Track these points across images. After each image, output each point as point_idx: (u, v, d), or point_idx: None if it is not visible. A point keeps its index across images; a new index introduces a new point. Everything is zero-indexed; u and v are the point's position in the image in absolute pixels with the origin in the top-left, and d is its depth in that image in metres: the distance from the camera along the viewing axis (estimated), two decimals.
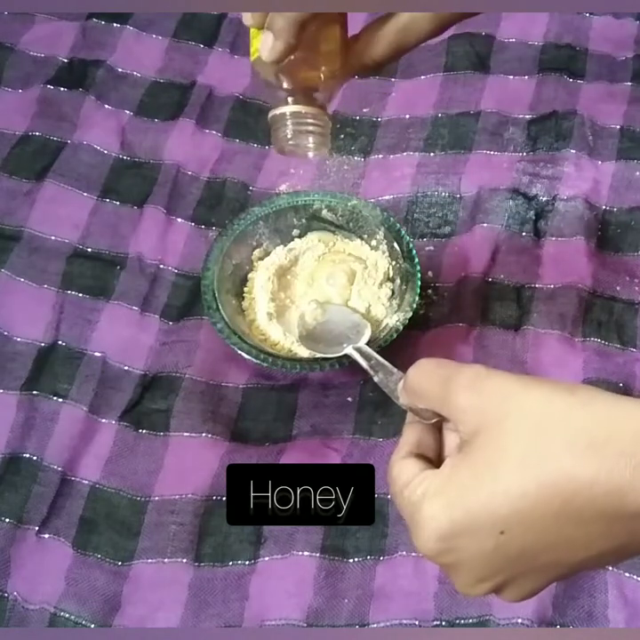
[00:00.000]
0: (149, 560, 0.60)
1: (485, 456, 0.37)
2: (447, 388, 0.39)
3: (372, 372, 0.58)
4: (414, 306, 0.65)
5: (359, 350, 0.59)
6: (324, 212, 0.70)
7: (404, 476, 0.40)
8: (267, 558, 0.60)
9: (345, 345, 0.60)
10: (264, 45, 0.47)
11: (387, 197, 0.76)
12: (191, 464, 0.63)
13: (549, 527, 0.35)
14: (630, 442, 0.34)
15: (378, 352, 0.63)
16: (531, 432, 0.36)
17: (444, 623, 0.57)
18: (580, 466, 0.34)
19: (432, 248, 0.74)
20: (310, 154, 0.52)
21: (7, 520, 0.61)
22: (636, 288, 0.71)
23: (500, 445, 0.36)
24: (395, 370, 0.58)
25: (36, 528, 0.61)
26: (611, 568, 0.59)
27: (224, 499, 0.62)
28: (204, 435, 0.64)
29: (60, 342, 0.69)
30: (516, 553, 0.37)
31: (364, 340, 0.61)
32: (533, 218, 0.74)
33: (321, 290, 0.68)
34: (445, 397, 0.39)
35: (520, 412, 0.36)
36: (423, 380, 0.41)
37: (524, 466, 0.35)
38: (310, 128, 0.51)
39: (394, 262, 0.68)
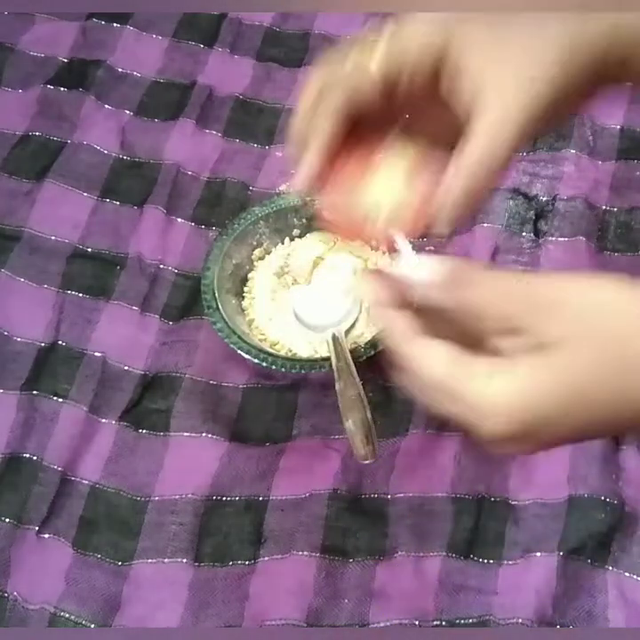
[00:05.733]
0: (149, 560, 0.60)
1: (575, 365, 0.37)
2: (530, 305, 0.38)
3: (336, 376, 0.59)
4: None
5: (335, 340, 0.59)
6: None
7: (437, 361, 0.38)
8: (267, 558, 0.60)
9: (329, 329, 0.61)
10: None
11: None
12: (191, 464, 0.63)
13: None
14: None
15: (378, 352, 0.63)
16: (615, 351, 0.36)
17: (444, 623, 0.57)
18: None
19: (432, 248, 0.73)
20: None
21: (7, 520, 0.61)
22: None
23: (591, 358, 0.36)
24: (356, 380, 0.58)
25: (36, 528, 0.61)
26: (611, 568, 0.59)
27: (224, 498, 0.62)
28: (203, 435, 0.64)
29: (60, 342, 0.69)
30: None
31: (346, 326, 0.61)
32: (533, 218, 0.74)
33: (328, 303, 0.68)
34: (528, 312, 0.38)
35: (605, 332, 0.37)
36: (486, 290, 0.39)
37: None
38: None
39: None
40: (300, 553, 0.59)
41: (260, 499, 0.62)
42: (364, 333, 0.67)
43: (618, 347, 0.36)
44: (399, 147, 0.46)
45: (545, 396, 0.36)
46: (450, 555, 0.59)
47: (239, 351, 0.64)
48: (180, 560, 0.60)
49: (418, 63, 0.43)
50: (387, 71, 0.43)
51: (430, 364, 0.39)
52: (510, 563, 0.59)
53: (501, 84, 0.42)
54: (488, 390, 0.37)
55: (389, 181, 0.45)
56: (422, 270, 0.40)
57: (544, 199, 0.75)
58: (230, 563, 0.60)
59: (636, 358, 0.36)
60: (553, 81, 0.42)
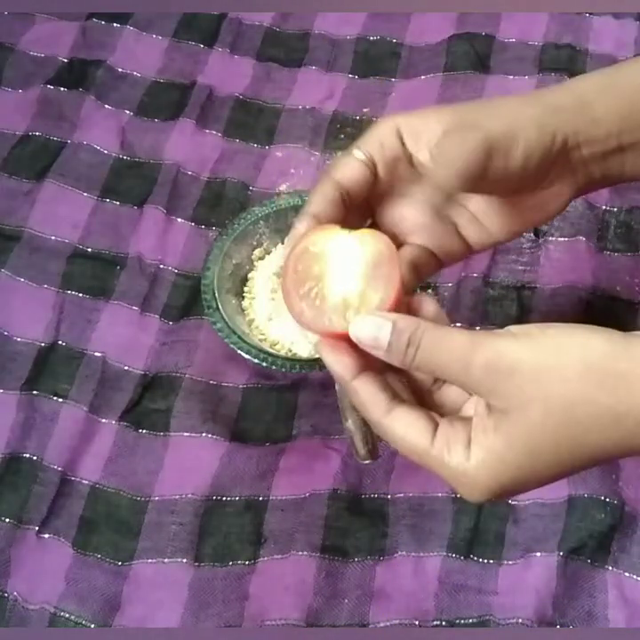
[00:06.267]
0: (149, 560, 0.60)
1: (528, 433, 0.39)
2: (468, 369, 0.40)
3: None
4: None
5: None
6: None
7: (418, 435, 0.42)
8: (267, 558, 0.60)
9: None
10: None
11: None
12: (191, 464, 0.63)
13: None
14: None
15: None
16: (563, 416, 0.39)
17: (444, 623, 0.57)
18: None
19: None
20: None
21: (7, 520, 0.61)
22: (636, 288, 0.71)
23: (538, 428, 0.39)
24: None
25: (36, 528, 0.61)
26: (611, 568, 0.59)
27: (224, 499, 0.62)
28: (203, 435, 0.64)
29: (60, 342, 0.69)
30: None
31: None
32: None
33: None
34: (468, 378, 0.40)
35: (550, 399, 0.39)
36: (442, 355, 0.41)
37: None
38: None
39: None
40: (300, 553, 0.59)
41: (260, 499, 0.62)
42: None
43: (564, 412, 0.39)
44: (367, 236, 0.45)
45: (512, 464, 0.40)
46: (450, 555, 0.59)
47: (239, 351, 0.64)
48: (179, 560, 0.60)
49: (388, 144, 0.47)
50: (367, 153, 0.47)
51: (410, 439, 0.42)
52: (510, 563, 0.59)
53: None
54: (467, 465, 0.40)
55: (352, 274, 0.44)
56: (367, 331, 0.41)
57: None
58: (230, 563, 0.60)
59: (580, 425, 0.39)
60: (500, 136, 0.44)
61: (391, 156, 0.47)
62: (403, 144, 0.47)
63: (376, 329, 0.41)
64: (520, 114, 0.45)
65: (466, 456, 0.40)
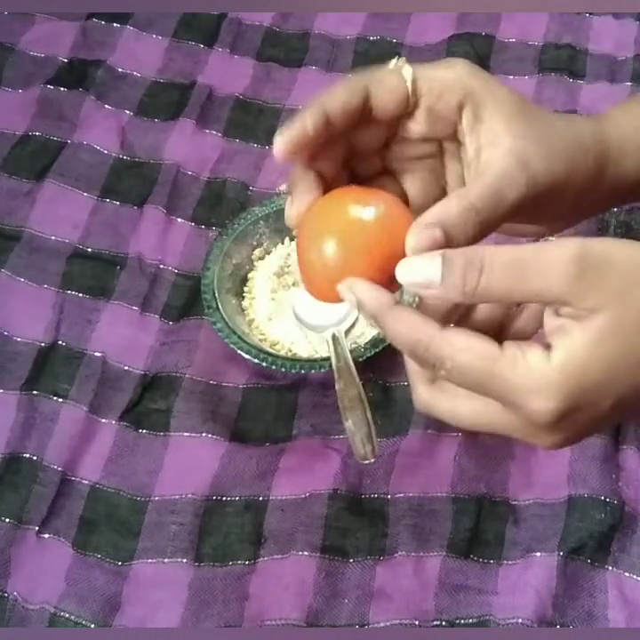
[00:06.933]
0: (149, 560, 0.60)
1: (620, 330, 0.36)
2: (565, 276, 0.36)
3: (336, 376, 0.59)
4: (415, 306, 0.65)
5: (335, 340, 0.60)
6: None
7: (483, 342, 0.38)
8: (267, 558, 0.60)
9: (329, 329, 0.62)
10: None
11: None
12: (191, 464, 0.63)
13: None
14: None
15: (378, 352, 0.64)
16: None
17: (444, 623, 0.57)
18: None
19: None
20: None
21: (7, 520, 0.61)
22: None
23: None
24: (356, 380, 0.58)
25: (36, 528, 0.61)
26: (610, 568, 0.59)
27: (224, 499, 0.62)
28: (203, 435, 0.64)
29: (60, 342, 0.69)
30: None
31: (345, 326, 0.62)
32: None
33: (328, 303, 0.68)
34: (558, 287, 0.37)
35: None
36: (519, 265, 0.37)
37: None
38: None
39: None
40: (300, 553, 0.59)
41: (260, 499, 0.62)
42: (364, 333, 0.67)
43: None
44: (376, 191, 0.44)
45: (602, 363, 0.36)
46: (450, 555, 0.59)
47: (239, 351, 0.64)
48: (179, 560, 0.60)
49: (446, 89, 0.43)
50: (415, 87, 0.43)
51: (475, 346, 0.38)
52: (510, 563, 0.59)
53: (521, 151, 0.42)
54: (547, 368, 0.36)
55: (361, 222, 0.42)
56: (422, 276, 0.38)
57: None
58: (230, 563, 0.60)
59: None
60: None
61: (437, 113, 0.43)
62: (460, 113, 0.43)
63: (425, 265, 0.38)
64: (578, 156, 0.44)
65: (545, 358, 0.36)
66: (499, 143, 0.42)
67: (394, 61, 0.44)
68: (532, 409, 0.37)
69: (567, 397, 0.36)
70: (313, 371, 0.64)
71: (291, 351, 0.67)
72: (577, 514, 0.60)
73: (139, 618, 0.58)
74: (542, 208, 0.44)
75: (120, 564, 0.60)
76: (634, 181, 0.47)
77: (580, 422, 0.38)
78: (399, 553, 0.60)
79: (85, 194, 0.77)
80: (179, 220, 0.75)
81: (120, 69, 0.85)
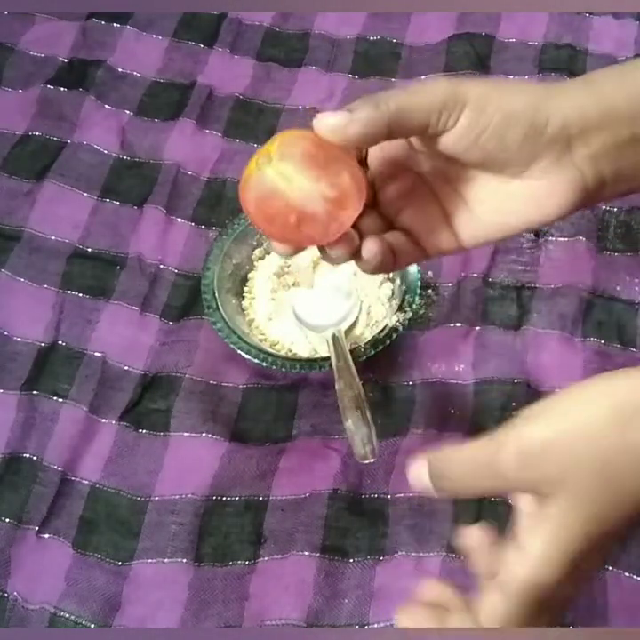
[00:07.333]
0: (149, 560, 0.60)
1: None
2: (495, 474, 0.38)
3: (336, 375, 0.59)
4: (414, 306, 0.65)
5: (335, 340, 0.60)
6: None
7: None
8: (267, 558, 0.60)
9: (329, 329, 0.63)
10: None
11: None
12: (191, 464, 0.63)
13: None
14: None
15: (379, 352, 0.64)
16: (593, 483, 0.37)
17: None
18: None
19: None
20: None
21: (7, 520, 0.61)
22: (636, 288, 0.71)
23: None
24: (356, 380, 0.58)
25: (36, 528, 0.61)
26: (610, 568, 0.59)
27: (224, 499, 0.62)
28: (203, 435, 0.64)
29: (60, 342, 0.69)
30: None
31: (345, 326, 0.63)
32: None
33: (328, 303, 0.68)
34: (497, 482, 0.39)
35: (592, 458, 0.37)
36: (467, 466, 0.40)
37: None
38: None
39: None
40: (300, 553, 0.59)
41: (260, 499, 0.62)
42: (363, 333, 0.67)
43: (611, 465, 0.37)
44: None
45: (578, 531, 0.37)
46: (450, 555, 0.59)
47: (239, 351, 0.64)
48: (179, 560, 0.60)
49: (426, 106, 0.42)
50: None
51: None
52: None
53: None
54: (531, 554, 0.38)
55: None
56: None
57: None
58: (230, 563, 0.60)
59: (620, 476, 0.37)
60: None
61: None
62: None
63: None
64: (516, 90, 0.43)
65: (521, 558, 0.38)
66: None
67: None
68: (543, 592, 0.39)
69: (567, 558, 0.38)
70: (313, 371, 0.64)
71: (291, 351, 0.67)
72: None
73: (139, 618, 0.58)
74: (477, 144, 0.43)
75: (120, 564, 0.60)
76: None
77: (587, 565, 0.39)
78: (399, 553, 0.60)
79: (85, 194, 0.77)
80: (179, 219, 0.75)
81: (120, 69, 0.85)
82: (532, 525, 0.38)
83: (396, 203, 0.47)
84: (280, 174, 0.42)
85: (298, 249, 0.45)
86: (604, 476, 0.37)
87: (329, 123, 0.41)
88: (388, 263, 0.46)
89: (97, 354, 0.68)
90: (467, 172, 0.45)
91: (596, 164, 0.43)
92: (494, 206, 0.45)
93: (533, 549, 0.38)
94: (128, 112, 0.82)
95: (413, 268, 0.66)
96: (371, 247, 0.45)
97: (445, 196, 0.47)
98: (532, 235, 0.73)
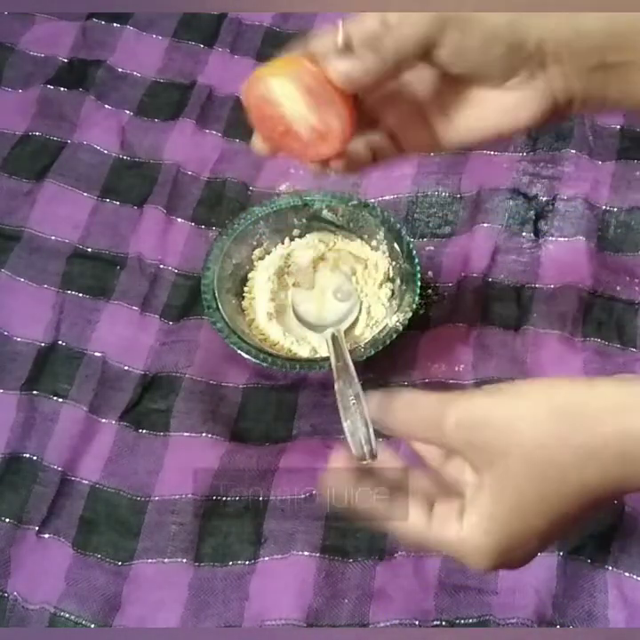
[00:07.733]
0: (149, 560, 0.60)
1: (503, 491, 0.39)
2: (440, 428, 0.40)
3: (335, 376, 0.59)
4: (414, 306, 0.65)
5: (335, 340, 0.61)
6: (325, 213, 0.70)
7: (416, 522, 0.42)
8: (267, 558, 0.60)
9: (329, 329, 0.64)
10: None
11: (387, 197, 0.76)
12: (191, 464, 0.63)
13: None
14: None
15: (379, 352, 0.64)
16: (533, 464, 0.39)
17: (444, 623, 0.57)
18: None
19: (432, 248, 0.74)
20: None
21: (7, 520, 0.61)
22: (636, 288, 0.71)
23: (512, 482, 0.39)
24: (355, 380, 0.58)
25: (36, 528, 0.61)
26: (610, 568, 0.59)
27: (224, 499, 0.62)
28: (203, 435, 0.64)
29: (60, 342, 0.69)
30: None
31: (345, 326, 0.64)
32: (533, 218, 0.74)
33: (328, 303, 0.68)
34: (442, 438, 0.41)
35: (525, 444, 0.39)
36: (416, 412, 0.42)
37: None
38: None
39: (394, 262, 0.68)
40: (300, 553, 0.59)
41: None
42: (363, 333, 0.67)
43: (541, 455, 0.38)
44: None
45: (503, 520, 0.40)
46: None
47: (239, 351, 0.64)
48: (179, 560, 0.60)
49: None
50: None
51: (410, 528, 0.42)
52: None
53: None
54: (463, 534, 0.40)
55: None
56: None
57: (544, 199, 0.75)
58: (230, 563, 0.60)
59: (559, 466, 0.38)
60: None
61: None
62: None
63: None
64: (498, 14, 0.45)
65: (459, 526, 0.40)
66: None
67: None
68: (468, 564, 0.41)
69: (488, 554, 0.40)
70: (313, 371, 0.64)
71: (291, 351, 0.67)
72: None
73: (139, 618, 0.58)
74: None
75: (120, 563, 0.60)
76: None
77: (514, 552, 0.41)
78: (399, 553, 0.60)
79: (85, 194, 0.77)
80: (179, 220, 0.75)
81: (120, 69, 0.85)
82: (471, 492, 0.40)
83: (378, 106, 0.49)
84: (285, 92, 0.46)
85: (275, 151, 0.49)
86: (545, 460, 0.38)
87: (339, 70, 0.44)
88: (367, 160, 0.49)
89: (97, 354, 0.68)
90: (447, 81, 0.48)
91: (567, 81, 0.46)
92: (470, 113, 0.48)
93: (469, 516, 0.40)
94: (128, 112, 0.82)
95: (413, 269, 0.66)
96: (352, 144, 0.48)
97: (425, 101, 0.49)
98: (532, 235, 0.73)
